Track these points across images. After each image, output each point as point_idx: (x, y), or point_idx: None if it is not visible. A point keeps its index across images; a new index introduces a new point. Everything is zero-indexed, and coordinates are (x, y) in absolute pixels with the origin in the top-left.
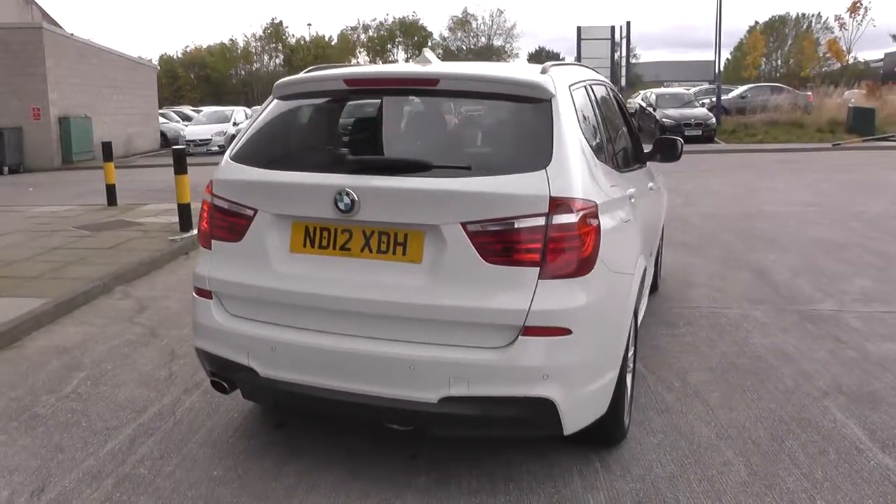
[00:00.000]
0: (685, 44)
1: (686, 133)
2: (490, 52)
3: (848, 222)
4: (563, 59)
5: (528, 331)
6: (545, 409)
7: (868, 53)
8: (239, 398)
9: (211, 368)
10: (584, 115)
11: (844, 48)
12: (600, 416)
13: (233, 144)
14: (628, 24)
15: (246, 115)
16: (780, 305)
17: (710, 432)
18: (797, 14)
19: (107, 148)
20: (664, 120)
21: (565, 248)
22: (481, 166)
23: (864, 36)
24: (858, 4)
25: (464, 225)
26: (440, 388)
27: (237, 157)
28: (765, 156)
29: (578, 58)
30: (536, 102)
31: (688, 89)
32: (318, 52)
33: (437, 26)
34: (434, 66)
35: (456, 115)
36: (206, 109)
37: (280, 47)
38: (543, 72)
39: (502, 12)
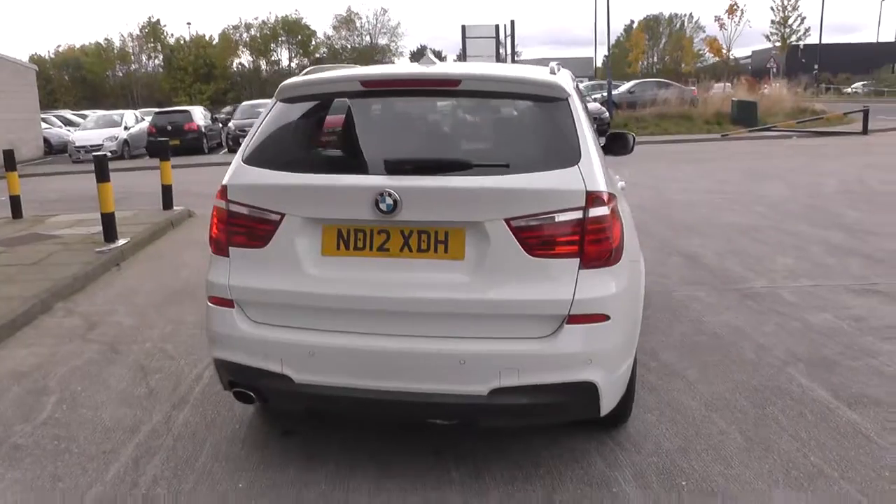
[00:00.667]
0: (563, 42)
1: None
2: (374, 51)
3: (753, 207)
4: (444, 57)
5: (573, 319)
6: (588, 393)
7: (741, 51)
8: (233, 411)
9: (234, 379)
10: (585, 113)
11: (724, 46)
12: (622, 396)
13: (243, 148)
14: (512, 22)
15: (136, 118)
16: (719, 286)
17: (698, 405)
18: (670, 14)
19: (9, 156)
20: None
21: (601, 238)
22: (517, 164)
23: (742, 34)
24: (735, 6)
25: (507, 221)
26: (490, 381)
27: (252, 161)
28: (661, 147)
29: (464, 56)
30: (554, 102)
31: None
32: (199, 52)
33: (322, 25)
34: (449, 66)
35: (477, 116)
36: (94, 114)
37: (159, 47)
38: (552, 72)
39: (386, 11)
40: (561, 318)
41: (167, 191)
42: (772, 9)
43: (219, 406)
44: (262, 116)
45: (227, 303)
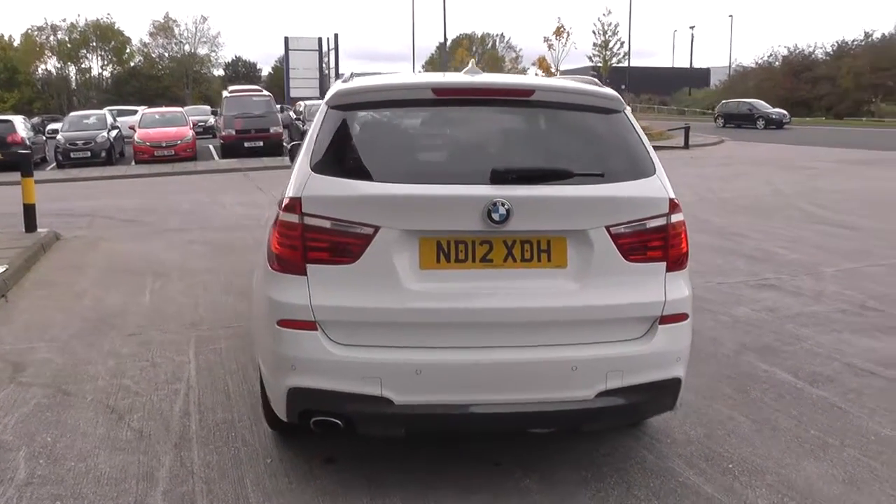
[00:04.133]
0: (374, 57)
1: None
2: (193, 61)
3: None
4: (260, 69)
5: (664, 319)
6: (673, 389)
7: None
8: (251, 444)
9: (317, 407)
10: None
11: (553, 66)
12: None
13: (308, 157)
14: (336, 36)
15: None
16: None
17: (695, 397)
18: (483, 33)
19: None
20: None
21: (680, 243)
22: (609, 173)
23: (570, 55)
24: (562, 28)
25: (608, 228)
26: (597, 384)
27: (326, 171)
28: None
29: (287, 68)
30: (615, 113)
31: None
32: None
33: (137, 31)
34: (514, 77)
35: (548, 125)
36: None
37: None
38: (599, 85)
39: (206, 19)
40: (654, 319)
41: (30, 210)
42: (594, 32)
43: (229, 441)
44: (318, 124)
45: (309, 325)
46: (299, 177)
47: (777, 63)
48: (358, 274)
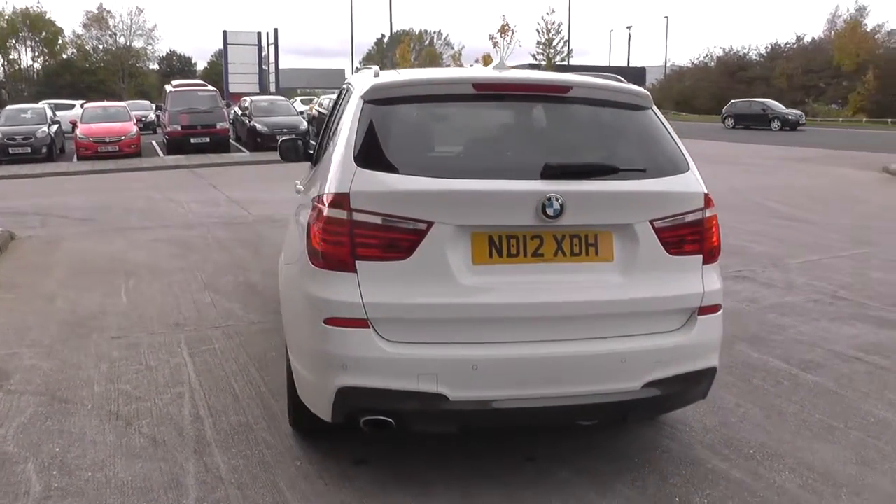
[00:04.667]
0: (307, 52)
1: None
2: (129, 54)
3: None
4: (195, 63)
5: (702, 310)
6: (710, 377)
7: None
8: (275, 448)
9: (370, 405)
10: None
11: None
12: None
13: (349, 151)
14: (276, 31)
15: None
16: None
17: None
18: (420, 30)
19: None
20: None
21: (712, 236)
22: (650, 168)
23: (515, 53)
24: (507, 26)
25: (652, 222)
26: (644, 375)
27: (372, 166)
28: None
29: (225, 63)
30: (643, 110)
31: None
32: None
33: (69, 22)
34: (549, 74)
35: (585, 121)
36: None
37: None
38: (625, 83)
39: (142, 11)
40: (693, 310)
41: None
42: (538, 31)
43: (251, 444)
44: (354, 118)
45: (360, 322)
46: (342, 171)
47: (712, 63)
48: (410, 270)
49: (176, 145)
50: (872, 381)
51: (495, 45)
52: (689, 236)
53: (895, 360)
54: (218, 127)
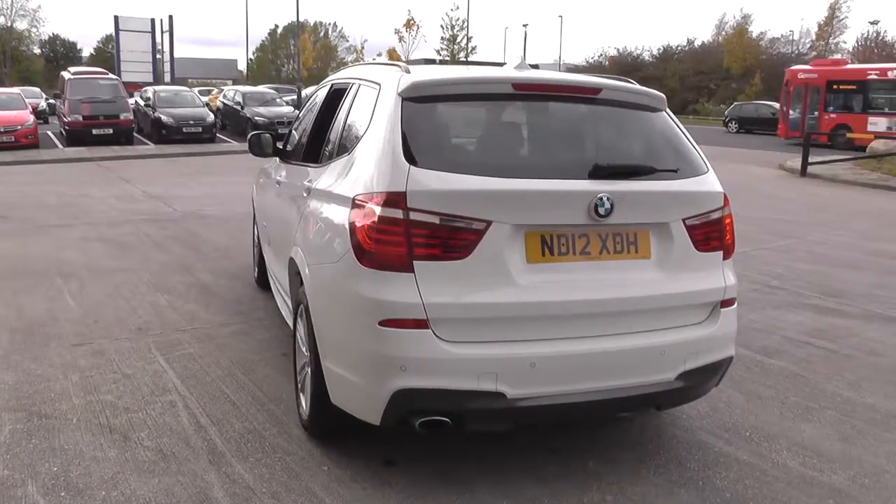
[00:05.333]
0: (210, 43)
1: (280, 131)
2: (11, 36)
3: None
4: (80, 49)
5: (724, 303)
6: (726, 366)
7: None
8: (296, 454)
9: (429, 406)
10: None
11: (403, 57)
12: None
13: (395, 149)
14: (171, 18)
15: None
16: None
17: None
18: (315, 21)
19: None
20: (256, 119)
21: (731, 233)
22: (681, 169)
23: (420, 47)
24: (412, 21)
25: (684, 220)
26: (678, 366)
27: (426, 165)
28: None
29: (118, 50)
30: (658, 112)
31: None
32: None
33: None
34: (578, 76)
35: (612, 123)
36: None
37: None
38: (635, 84)
39: None
40: (717, 303)
41: None
42: (442, 27)
43: (267, 452)
44: (394, 115)
45: (420, 323)
46: (392, 170)
47: (606, 63)
48: (469, 269)
49: (77, 137)
50: (828, 363)
51: (401, 39)
52: (713, 233)
53: (841, 343)
54: (122, 118)
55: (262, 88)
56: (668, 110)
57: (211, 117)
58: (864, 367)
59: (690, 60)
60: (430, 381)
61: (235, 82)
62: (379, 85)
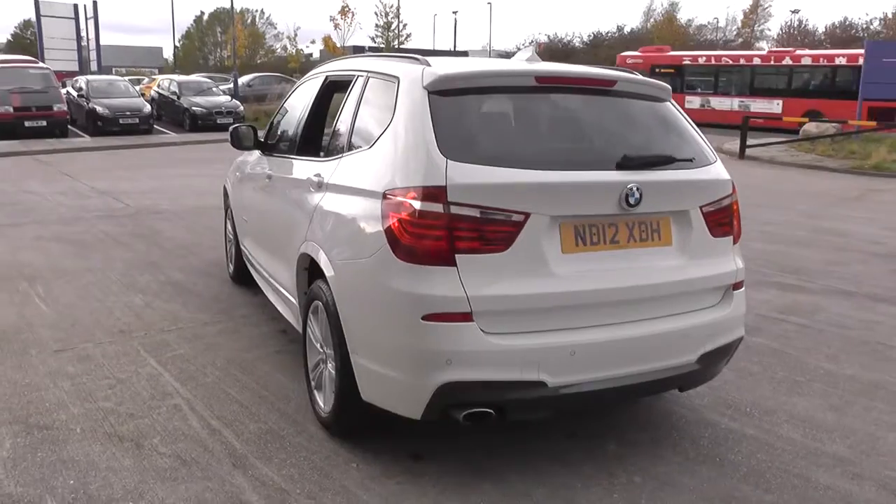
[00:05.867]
0: (133, 30)
1: (219, 121)
2: None
3: None
4: None
5: (735, 286)
6: (736, 346)
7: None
8: (320, 453)
9: (476, 398)
10: None
11: (339, 44)
12: None
13: (427, 142)
14: (95, 3)
15: None
16: None
17: None
18: (242, 8)
19: None
20: (194, 109)
21: (738, 219)
22: (696, 158)
23: (357, 35)
24: (347, 8)
25: (701, 208)
26: (699, 349)
27: (462, 158)
28: None
29: (40, 37)
30: (664, 102)
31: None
32: None
33: None
34: (597, 68)
35: (627, 114)
36: None
37: None
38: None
39: None
40: (729, 286)
41: None
42: (375, 14)
43: (290, 452)
44: (420, 108)
45: (464, 317)
46: (428, 164)
47: (537, 49)
48: (509, 261)
49: (7, 129)
50: (804, 338)
51: (336, 26)
52: (724, 219)
53: (811, 318)
54: (55, 109)
55: (197, 77)
56: (672, 100)
57: (148, 108)
58: (836, 341)
59: (621, 47)
60: (476, 373)
61: (162, 71)
62: (397, 78)
